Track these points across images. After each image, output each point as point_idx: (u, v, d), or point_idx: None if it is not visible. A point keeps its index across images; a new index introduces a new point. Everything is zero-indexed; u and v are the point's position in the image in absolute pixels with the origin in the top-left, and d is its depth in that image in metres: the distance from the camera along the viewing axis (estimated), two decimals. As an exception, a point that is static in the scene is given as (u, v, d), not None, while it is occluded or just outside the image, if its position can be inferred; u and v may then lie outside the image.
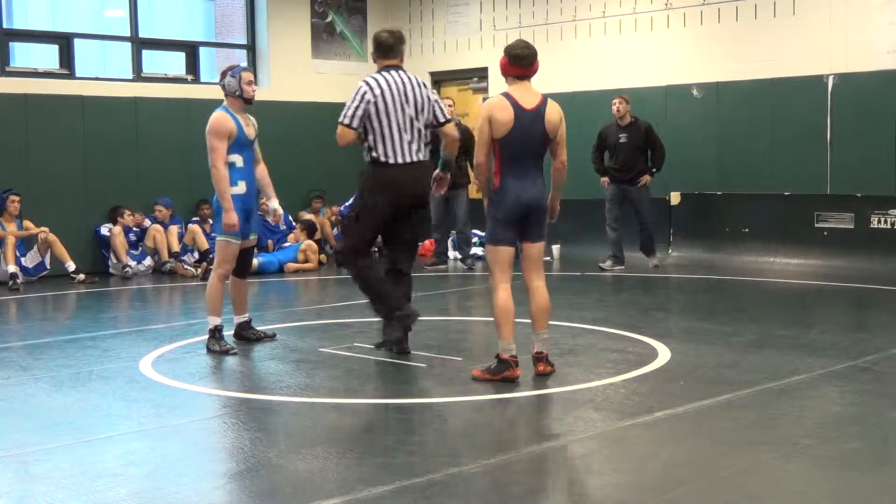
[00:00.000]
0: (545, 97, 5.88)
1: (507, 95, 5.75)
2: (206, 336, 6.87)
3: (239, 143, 6.75)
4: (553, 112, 5.83)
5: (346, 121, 6.31)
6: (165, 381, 5.94)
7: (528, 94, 5.79)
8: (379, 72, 6.44)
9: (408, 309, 6.43)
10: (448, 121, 6.54)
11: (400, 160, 6.33)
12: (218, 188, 6.69)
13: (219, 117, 6.75)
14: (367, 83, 6.34)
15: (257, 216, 7.19)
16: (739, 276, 10.44)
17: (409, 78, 6.43)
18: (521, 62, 5.79)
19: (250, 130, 6.88)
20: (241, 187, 6.79)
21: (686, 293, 9.85)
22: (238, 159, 6.78)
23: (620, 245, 11.13)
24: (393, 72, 6.41)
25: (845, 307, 8.79)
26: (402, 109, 6.32)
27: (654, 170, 11.11)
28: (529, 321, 5.87)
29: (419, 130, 6.40)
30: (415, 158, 6.38)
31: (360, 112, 6.29)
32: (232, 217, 6.66)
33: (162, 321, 8.66)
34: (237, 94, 6.79)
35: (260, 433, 4.82)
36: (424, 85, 6.48)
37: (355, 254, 6.51)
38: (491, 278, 5.81)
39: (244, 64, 13.49)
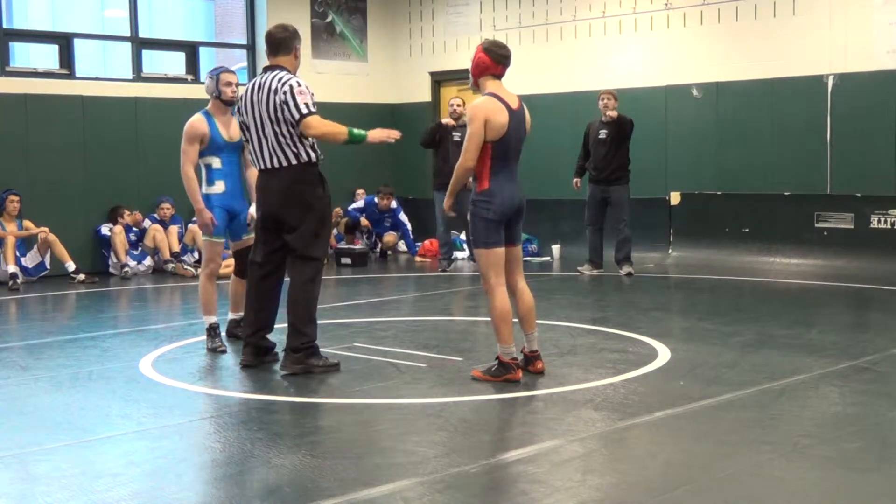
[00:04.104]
0: (519, 97, 5.90)
1: (495, 96, 5.70)
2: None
3: (215, 146, 6.74)
4: (527, 112, 5.88)
5: (242, 136, 6.34)
6: (165, 381, 5.95)
7: (508, 94, 5.78)
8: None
9: (256, 340, 6.25)
10: (298, 120, 5.87)
11: (258, 167, 6.14)
12: (187, 191, 6.71)
13: (191, 121, 6.76)
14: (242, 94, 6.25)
15: (248, 216, 7.13)
16: (739, 276, 10.45)
17: (269, 80, 5.97)
18: (505, 62, 5.78)
19: (232, 133, 6.80)
20: (218, 186, 6.80)
21: (686, 293, 9.86)
22: (215, 161, 6.79)
23: (599, 248, 10.92)
24: (260, 77, 6.08)
25: (845, 307, 8.80)
26: (252, 118, 6.03)
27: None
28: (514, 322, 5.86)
29: (271, 138, 5.96)
30: (269, 165, 6.01)
31: (238, 122, 6.27)
32: (204, 216, 6.67)
33: (162, 321, 8.66)
34: (214, 95, 6.80)
35: (260, 433, 4.82)
36: (279, 89, 5.90)
37: (250, 261, 6.41)
38: (485, 282, 5.78)
39: (243, 64, 13.60)
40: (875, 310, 8.64)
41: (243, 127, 6.18)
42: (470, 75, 5.86)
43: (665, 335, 7.10)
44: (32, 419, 5.18)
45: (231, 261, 7.44)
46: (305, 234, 6.01)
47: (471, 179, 5.81)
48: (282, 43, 6.14)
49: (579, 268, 11.01)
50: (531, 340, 5.91)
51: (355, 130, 6.00)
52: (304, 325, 6.05)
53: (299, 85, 5.94)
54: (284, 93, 5.90)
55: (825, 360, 6.17)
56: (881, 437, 4.64)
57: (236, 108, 6.26)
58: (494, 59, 5.74)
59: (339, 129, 5.97)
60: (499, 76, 5.78)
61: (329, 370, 6.07)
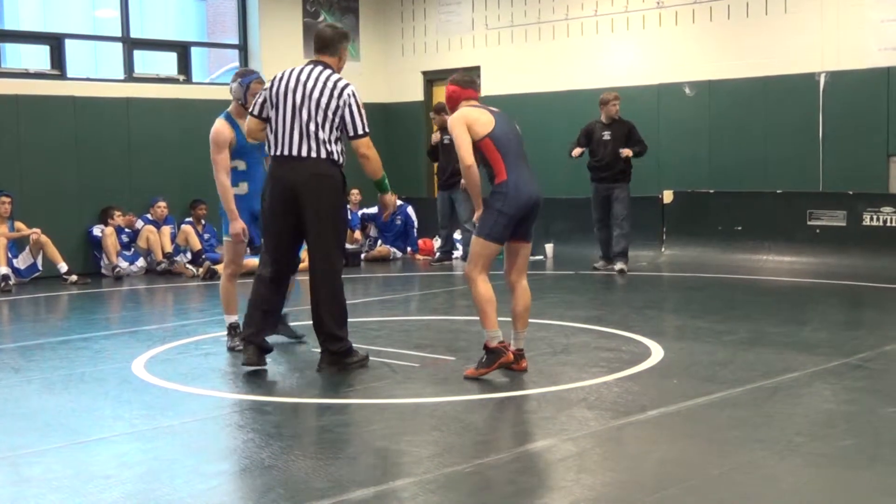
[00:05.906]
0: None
1: (471, 106, 5.87)
2: (220, 335, 6.99)
3: (240, 150, 6.70)
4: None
5: (251, 109, 6.19)
6: (158, 383, 5.93)
7: (487, 107, 5.94)
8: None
9: (259, 340, 6.15)
10: (358, 135, 5.95)
11: (277, 152, 6.01)
12: (222, 199, 6.66)
13: (217, 129, 6.69)
14: (275, 76, 6.17)
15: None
16: (732, 275, 10.46)
17: (316, 75, 5.97)
18: (473, 85, 5.99)
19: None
20: (242, 188, 6.75)
21: (679, 291, 9.87)
22: (240, 164, 6.76)
23: (609, 245, 11.03)
24: (306, 66, 6.07)
25: (838, 305, 8.81)
26: (292, 102, 5.94)
27: (636, 150, 10.77)
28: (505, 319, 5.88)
29: (310, 127, 5.90)
30: (294, 153, 5.91)
31: (259, 99, 6.13)
32: (236, 227, 6.64)
33: (155, 322, 8.64)
34: (240, 101, 6.77)
35: (253, 434, 4.81)
36: (341, 91, 5.92)
37: (260, 262, 6.30)
38: (471, 269, 5.78)
39: (235, 64, 13.58)
40: (867, 307, 8.65)
41: (268, 106, 6.03)
42: (447, 110, 6.06)
43: (658, 334, 7.11)
44: (24, 421, 5.17)
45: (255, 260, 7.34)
46: (327, 236, 5.97)
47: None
48: (329, 42, 6.12)
49: (595, 264, 11.14)
50: (518, 339, 5.92)
51: (387, 180, 6.20)
52: (339, 329, 6.11)
53: (357, 98, 5.99)
54: (347, 99, 5.93)
55: (818, 358, 6.18)
56: (874, 435, 4.65)
57: (265, 86, 6.18)
58: (462, 85, 5.94)
59: (380, 165, 6.12)
60: (473, 99, 5.95)
61: (362, 365, 6.16)
